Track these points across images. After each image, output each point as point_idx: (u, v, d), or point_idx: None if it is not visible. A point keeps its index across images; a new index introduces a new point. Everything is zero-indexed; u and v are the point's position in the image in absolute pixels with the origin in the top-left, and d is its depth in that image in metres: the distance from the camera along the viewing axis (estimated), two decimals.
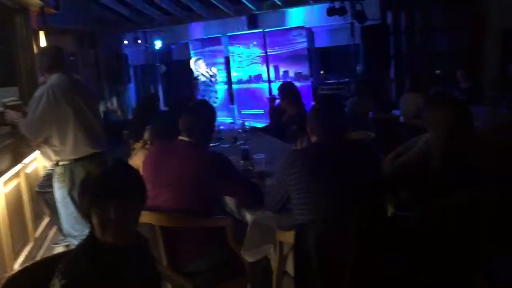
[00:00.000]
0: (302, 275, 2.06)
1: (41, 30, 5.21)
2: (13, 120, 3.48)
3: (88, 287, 1.50)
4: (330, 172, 2.16)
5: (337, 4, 7.41)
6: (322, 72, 9.88)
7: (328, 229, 2.00)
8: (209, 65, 9.72)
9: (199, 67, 9.56)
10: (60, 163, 3.42)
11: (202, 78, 9.59)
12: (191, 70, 9.64)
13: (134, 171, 1.71)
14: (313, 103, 7.76)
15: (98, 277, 1.54)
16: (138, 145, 4.21)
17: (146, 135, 4.24)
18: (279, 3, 8.76)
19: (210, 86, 9.54)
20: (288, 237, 2.19)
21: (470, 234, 2.19)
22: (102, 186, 1.57)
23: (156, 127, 3.58)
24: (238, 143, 4.01)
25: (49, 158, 3.48)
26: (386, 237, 2.08)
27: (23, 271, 1.80)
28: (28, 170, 3.85)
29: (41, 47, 4.66)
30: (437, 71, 7.62)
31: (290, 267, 2.37)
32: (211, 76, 9.50)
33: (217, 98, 9.58)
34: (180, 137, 2.65)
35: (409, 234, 2.22)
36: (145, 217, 2.45)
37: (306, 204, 2.14)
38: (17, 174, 3.55)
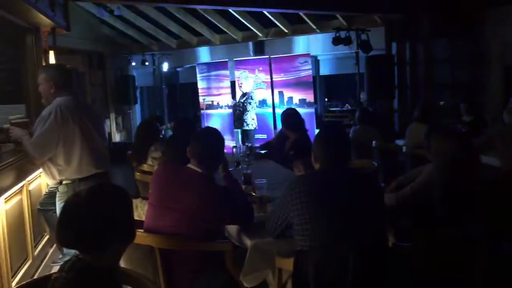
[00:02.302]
0: None
1: (51, 50, 5.30)
2: (18, 137, 3.51)
3: None
4: (332, 200, 2.18)
5: (342, 34, 7.53)
6: (326, 99, 9.97)
7: (327, 256, 2.00)
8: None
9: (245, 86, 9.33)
10: (64, 182, 3.44)
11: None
12: (197, 92, 9.66)
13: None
14: (316, 130, 7.80)
15: None
16: (143, 166, 4.24)
17: (150, 159, 4.27)
18: (286, 30, 8.90)
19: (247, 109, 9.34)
20: (287, 264, 2.19)
21: (469, 267, 2.19)
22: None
23: (168, 151, 3.58)
24: (240, 167, 4.03)
25: (53, 176, 3.49)
26: (386, 267, 2.09)
27: None
28: (31, 187, 3.86)
29: (52, 63, 4.69)
30: (442, 102, 7.67)
31: None
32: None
33: (253, 119, 9.07)
34: (190, 165, 2.67)
35: (409, 265, 2.22)
36: (146, 239, 2.46)
37: (307, 230, 2.15)
38: (19, 191, 3.57)
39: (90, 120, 3.49)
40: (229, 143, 9.45)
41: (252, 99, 8.95)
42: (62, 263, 1.67)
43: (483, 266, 2.26)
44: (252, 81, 9.17)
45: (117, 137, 10.78)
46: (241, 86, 9.23)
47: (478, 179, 2.42)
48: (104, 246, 1.58)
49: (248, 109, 8.85)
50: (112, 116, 10.73)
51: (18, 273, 3.42)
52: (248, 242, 2.55)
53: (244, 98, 8.96)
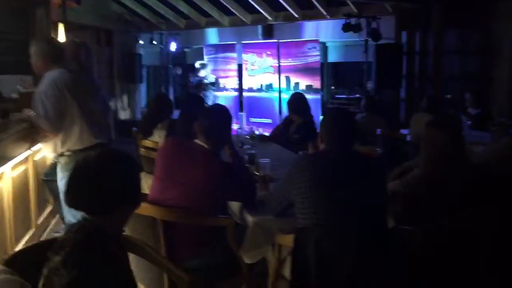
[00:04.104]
0: (299, 279, 2.09)
1: (61, 23, 5.31)
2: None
3: (99, 276, 1.53)
4: (335, 180, 2.20)
5: (352, 21, 7.48)
6: (333, 87, 9.95)
7: (328, 235, 2.03)
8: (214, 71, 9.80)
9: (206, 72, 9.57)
10: (66, 153, 3.48)
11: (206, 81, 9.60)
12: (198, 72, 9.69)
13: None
14: (321, 116, 7.80)
15: (107, 266, 1.57)
16: (146, 142, 4.27)
17: (156, 134, 4.31)
18: (296, 15, 8.84)
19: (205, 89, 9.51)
20: (288, 240, 2.22)
21: (467, 253, 2.21)
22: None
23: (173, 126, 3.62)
24: (245, 147, 4.06)
25: (55, 149, 3.54)
26: (385, 248, 2.12)
27: (24, 251, 1.84)
28: (36, 157, 3.90)
29: (44, 37, 4.65)
30: (448, 96, 7.64)
31: (287, 271, 2.40)
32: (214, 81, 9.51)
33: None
34: (197, 141, 2.69)
35: (408, 248, 2.25)
36: (149, 210, 2.50)
37: (308, 209, 2.17)
38: (25, 160, 3.61)
39: (88, 91, 3.54)
40: (234, 125, 9.47)
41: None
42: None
43: (487, 253, 2.29)
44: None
45: (122, 115, 10.80)
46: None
47: (466, 171, 2.44)
48: (111, 209, 1.61)
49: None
50: (118, 94, 10.74)
51: (21, 240, 3.48)
52: (250, 219, 2.59)
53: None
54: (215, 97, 9.69)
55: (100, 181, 1.58)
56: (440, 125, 2.63)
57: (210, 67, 9.67)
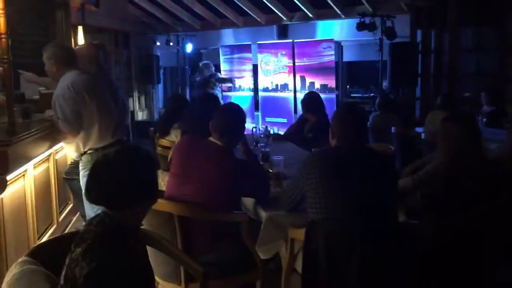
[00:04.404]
0: (309, 272, 2.14)
1: (80, 25, 5.44)
2: (32, 80, 3.87)
3: (113, 269, 1.59)
4: (346, 175, 2.25)
5: (367, 20, 7.49)
6: (348, 86, 9.95)
7: (338, 229, 2.08)
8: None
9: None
10: (88, 151, 3.59)
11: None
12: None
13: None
14: None
15: (125, 259, 1.64)
16: (163, 141, 4.36)
17: (173, 133, 4.40)
18: (310, 15, 8.88)
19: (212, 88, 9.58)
20: (300, 234, 2.27)
21: (474, 247, 2.24)
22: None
23: (187, 123, 3.71)
24: (259, 145, 4.12)
25: (77, 149, 3.65)
26: (395, 243, 2.15)
27: (48, 243, 1.93)
28: (58, 156, 4.03)
29: (57, 42, 4.80)
30: (467, 94, 7.58)
31: (299, 266, 2.45)
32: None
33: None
34: (211, 138, 2.76)
35: (418, 242, 2.28)
36: (165, 206, 2.57)
37: (319, 204, 2.22)
38: (47, 159, 3.73)
39: (107, 92, 3.65)
40: (249, 125, 9.54)
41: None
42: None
43: (493, 249, 2.31)
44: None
45: (139, 116, 10.96)
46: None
47: (483, 165, 2.45)
48: (130, 204, 1.69)
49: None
50: (135, 95, 10.89)
51: (44, 236, 3.59)
52: (263, 214, 2.65)
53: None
54: (223, 96, 9.76)
55: (119, 177, 1.65)
56: (456, 119, 2.65)
57: (225, 68, 9.74)
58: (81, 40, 5.39)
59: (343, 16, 8.60)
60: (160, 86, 12.02)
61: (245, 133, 3.01)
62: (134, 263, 1.68)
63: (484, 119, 5.57)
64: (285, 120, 9.12)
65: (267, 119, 9.55)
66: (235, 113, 2.86)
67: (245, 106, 9.77)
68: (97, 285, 1.55)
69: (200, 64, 9.59)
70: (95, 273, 1.55)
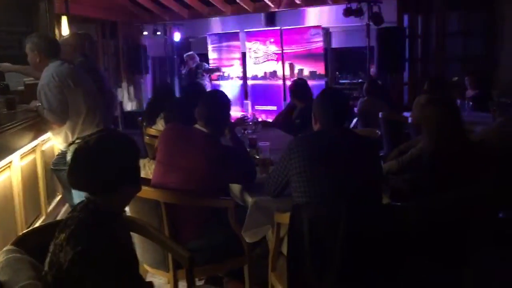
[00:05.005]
0: (295, 255, 2.17)
1: (64, 16, 5.39)
2: (7, 69, 3.90)
3: (98, 253, 1.59)
4: (328, 159, 2.27)
5: (354, 5, 7.47)
6: (337, 72, 9.97)
7: (322, 211, 2.10)
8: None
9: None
10: (76, 141, 3.58)
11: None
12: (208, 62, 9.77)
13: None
14: None
15: (109, 243, 1.64)
16: (151, 130, 4.37)
17: (159, 122, 4.40)
18: (297, 1, 8.84)
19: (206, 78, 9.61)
20: (285, 218, 2.29)
21: (458, 229, 2.27)
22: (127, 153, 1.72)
23: (172, 113, 3.73)
24: (246, 132, 4.13)
25: (65, 139, 3.65)
26: (378, 224, 2.18)
27: (32, 231, 1.94)
28: (44, 147, 4.01)
29: (40, 33, 4.74)
30: (455, 78, 7.62)
31: (285, 249, 2.48)
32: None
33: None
34: (197, 126, 2.77)
35: (402, 224, 2.31)
36: (152, 194, 2.58)
37: (303, 187, 2.25)
38: (33, 150, 3.72)
39: (93, 81, 3.65)
40: (238, 113, 9.55)
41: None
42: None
43: (477, 231, 2.35)
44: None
45: (128, 106, 10.91)
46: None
47: (466, 145, 2.49)
48: (111, 189, 1.69)
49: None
50: (124, 85, 10.83)
51: (32, 226, 3.59)
52: (250, 200, 2.67)
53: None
54: (213, 85, 9.76)
55: (98, 162, 1.66)
56: (435, 103, 2.68)
57: (213, 56, 9.72)
58: (65, 30, 5.33)
59: (330, 2, 8.58)
60: (149, 76, 11.95)
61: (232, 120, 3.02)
62: (118, 247, 1.69)
63: (471, 103, 5.61)
64: (274, 108, 9.13)
65: (257, 107, 9.55)
66: (220, 100, 2.88)
67: (235, 94, 9.77)
68: (82, 269, 1.56)
69: (185, 56, 9.57)
70: (80, 257, 1.55)
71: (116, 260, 1.64)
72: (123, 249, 1.73)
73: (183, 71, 9.46)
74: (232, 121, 5.23)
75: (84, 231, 1.62)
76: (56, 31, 5.25)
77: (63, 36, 5.11)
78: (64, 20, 5.32)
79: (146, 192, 2.56)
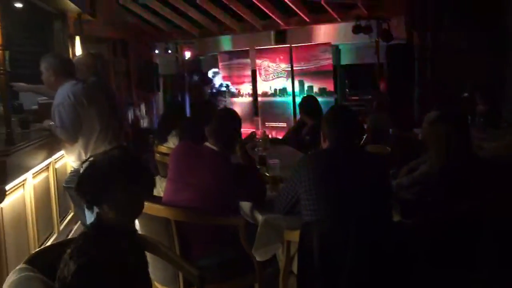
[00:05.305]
0: (305, 273, 2.17)
1: (77, 36, 5.49)
2: (21, 89, 3.96)
3: (101, 267, 1.61)
4: (337, 176, 2.28)
5: (363, 23, 7.53)
6: (347, 89, 9.99)
7: (332, 229, 2.10)
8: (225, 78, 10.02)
9: (218, 79, 9.79)
10: (89, 159, 3.63)
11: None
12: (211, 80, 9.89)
13: (138, 159, 1.84)
14: None
15: (108, 258, 1.65)
16: (162, 148, 4.40)
17: (171, 140, 4.43)
18: (307, 19, 8.92)
19: (224, 97, 9.73)
20: (295, 236, 2.29)
21: (468, 246, 2.26)
22: (118, 171, 1.71)
23: (184, 130, 3.77)
24: (256, 149, 4.15)
25: (79, 157, 3.70)
26: (388, 242, 2.17)
27: (45, 250, 1.96)
28: (57, 165, 4.06)
29: (55, 53, 4.84)
30: (465, 94, 7.59)
31: (296, 268, 2.47)
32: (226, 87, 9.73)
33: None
34: (207, 144, 2.80)
35: (412, 241, 2.30)
36: (162, 211, 2.60)
37: (313, 205, 2.25)
38: (46, 168, 3.77)
39: (105, 100, 3.71)
40: (249, 129, 9.58)
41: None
42: None
43: (487, 247, 2.33)
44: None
45: (140, 124, 11.00)
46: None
47: (474, 160, 2.47)
48: (100, 203, 1.72)
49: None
50: (136, 103, 10.93)
51: (45, 244, 3.62)
52: (260, 217, 2.67)
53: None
54: (232, 103, 9.88)
55: (91, 174, 1.72)
56: (442, 118, 2.67)
57: (223, 74, 9.86)
58: (78, 50, 5.44)
59: (339, 20, 8.64)
60: (160, 94, 12.08)
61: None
62: (124, 264, 1.70)
63: (482, 119, 5.58)
64: (284, 125, 9.15)
65: (267, 124, 9.58)
66: (229, 118, 2.90)
67: (245, 111, 9.82)
68: (83, 282, 1.57)
69: (211, 72, 9.70)
70: (82, 271, 1.57)
71: (119, 276, 1.65)
72: (129, 267, 1.74)
73: (210, 91, 9.60)
74: (243, 138, 5.28)
75: (86, 245, 1.65)
76: (70, 51, 5.35)
77: (77, 56, 5.21)
78: (77, 40, 5.43)
79: (156, 210, 2.58)
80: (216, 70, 9.75)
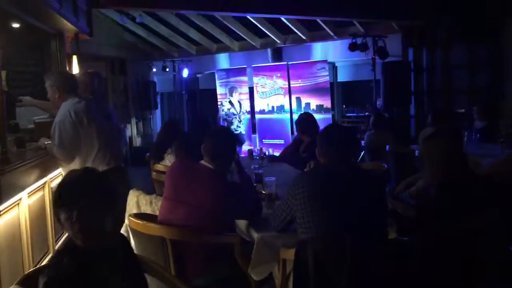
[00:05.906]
0: None
1: (75, 55, 5.52)
2: (29, 103, 3.98)
3: (69, 281, 1.63)
4: (332, 194, 2.27)
5: (359, 40, 7.60)
6: (344, 106, 10.05)
7: (327, 247, 2.09)
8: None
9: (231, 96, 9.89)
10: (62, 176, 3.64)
11: (228, 106, 9.88)
12: (216, 98, 9.97)
13: (99, 177, 1.82)
14: None
15: (76, 276, 1.65)
16: (158, 166, 4.39)
17: (167, 158, 4.42)
18: (303, 37, 9.00)
19: (235, 115, 9.81)
20: (291, 254, 2.28)
21: (465, 261, 2.24)
22: (65, 192, 1.72)
23: (180, 148, 3.77)
24: (252, 167, 4.14)
25: None
26: (383, 259, 2.16)
27: (37, 270, 1.94)
28: (53, 184, 4.04)
29: (56, 70, 4.87)
30: (462, 110, 7.64)
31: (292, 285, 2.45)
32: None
33: (239, 127, 9.84)
34: (203, 162, 2.80)
35: (409, 259, 2.29)
36: (157, 230, 2.58)
37: (308, 223, 2.24)
38: (42, 187, 3.75)
39: (102, 118, 3.73)
40: (246, 147, 9.59)
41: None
42: None
43: (486, 263, 2.31)
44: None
45: (137, 142, 11.01)
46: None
47: (471, 176, 2.46)
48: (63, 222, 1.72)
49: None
50: (133, 121, 10.97)
51: (40, 264, 3.58)
52: (255, 235, 2.66)
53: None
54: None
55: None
56: (436, 134, 2.66)
57: (221, 91, 9.94)
58: (76, 69, 5.46)
59: (335, 37, 8.73)
60: (158, 112, 12.11)
61: (243, 156, 3.04)
62: (87, 281, 1.68)
63: (478, 135, 5.60)
64: (282, 142, 9.17)
65: (265, 141, 9.60)
66: (225, 137, 2.91)
67: (242, 128, 9.85)
68: None
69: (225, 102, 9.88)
70: (50, 284, 1.62)
71: None
72: (100, 280, 1.71)
73: (220, 115, 9.80)
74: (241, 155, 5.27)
75: (55, 263, 1.69)
76: (67, 69, 5.37)
77: (75, 74, 5.24)
78: (74, 59, 5.46)
79: (151, 228, 2.57)
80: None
